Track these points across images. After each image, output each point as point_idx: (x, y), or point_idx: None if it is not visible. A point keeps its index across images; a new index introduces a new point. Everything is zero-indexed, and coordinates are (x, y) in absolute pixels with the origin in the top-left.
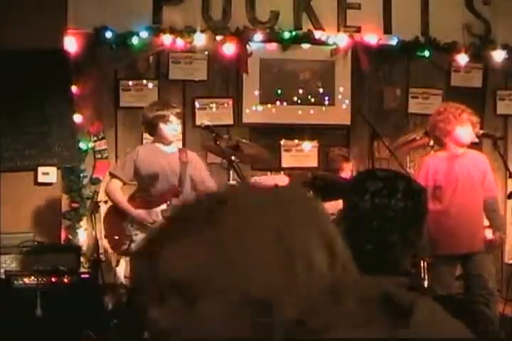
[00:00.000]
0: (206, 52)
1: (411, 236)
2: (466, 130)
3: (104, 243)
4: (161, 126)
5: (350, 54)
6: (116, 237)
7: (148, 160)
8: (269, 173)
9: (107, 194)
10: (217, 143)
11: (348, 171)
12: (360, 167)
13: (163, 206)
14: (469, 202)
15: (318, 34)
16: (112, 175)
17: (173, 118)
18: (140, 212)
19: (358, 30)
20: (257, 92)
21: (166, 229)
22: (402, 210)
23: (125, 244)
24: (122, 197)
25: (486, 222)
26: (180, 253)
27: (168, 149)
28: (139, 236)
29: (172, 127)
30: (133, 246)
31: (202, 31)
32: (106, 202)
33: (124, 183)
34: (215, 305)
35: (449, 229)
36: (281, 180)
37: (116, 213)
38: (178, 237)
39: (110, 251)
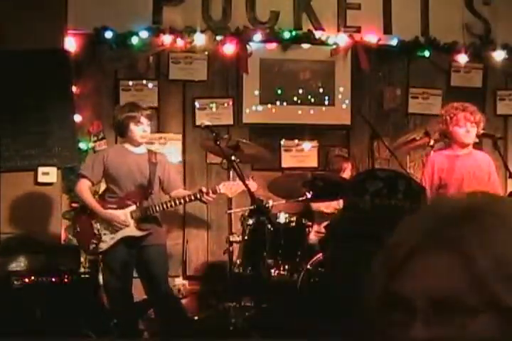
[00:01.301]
0: (206, 52)
1: None
2: (463, 130)
3: None
4: (132, 127)
5: (350, 54)
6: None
7: (116, 160)
8: (237, 179)
9: (76, 194)
10: (217, 143)
11: (348, 171)
12: (360, 167)
13: (133, 207)
14: None
15: (318, 34)
16: (81, 175)
17: (143, 119)
18: (109, 213)
19: (358, 30)
20: (256, 92)
21: (413, 241)
22: (402, 210)
23: (93, 243)
24: (91, 197)
25: None
26: (434, 267)
27: (138, 150)
28: (107, 236)
29: (142, 128)
30: (101, 245)
31: (202, 31)
32: None
33: (93, 184)
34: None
35: None
36: (250, 186)
37: (86, 213)
38: (428, 251)
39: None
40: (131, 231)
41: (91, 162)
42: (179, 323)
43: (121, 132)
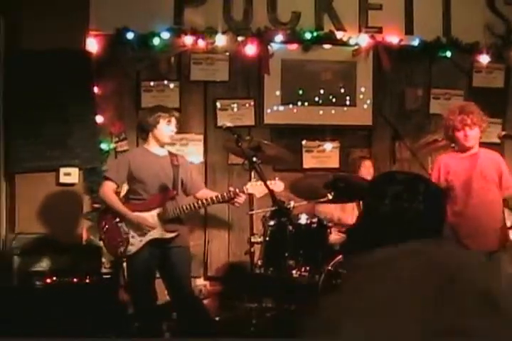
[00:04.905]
0: (227, 53)
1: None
2: (461, 134)
3: None
4: (162, 126)
5: (371, 54)
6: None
7: (141, 163)
8: (259, 180)
9: (101, 197)
10: (239, 144)
11: (367, 170)
12: (382, 168)
13: (159, 209)
14: (485, 202)
15: (339, 34)
16: (106, 178)
17: (173, 121)
18: (137, 215)
19: (380, 30)
20: (278, 93)
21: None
22: (423, 213)
23: (121, 246)
24: (117, 200)
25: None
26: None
27: (160, 152)
28: (135, 239)
29: (171, 128)
30: (130, 248)
31: (223, 32)
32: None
33: (118, 186)
34: None
35: (465, 230)
36: (277, 186)
37: (111, 215)
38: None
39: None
40: (160, 233)
41: (115, 164)
42: (201, 324)
43: (147, 132)
